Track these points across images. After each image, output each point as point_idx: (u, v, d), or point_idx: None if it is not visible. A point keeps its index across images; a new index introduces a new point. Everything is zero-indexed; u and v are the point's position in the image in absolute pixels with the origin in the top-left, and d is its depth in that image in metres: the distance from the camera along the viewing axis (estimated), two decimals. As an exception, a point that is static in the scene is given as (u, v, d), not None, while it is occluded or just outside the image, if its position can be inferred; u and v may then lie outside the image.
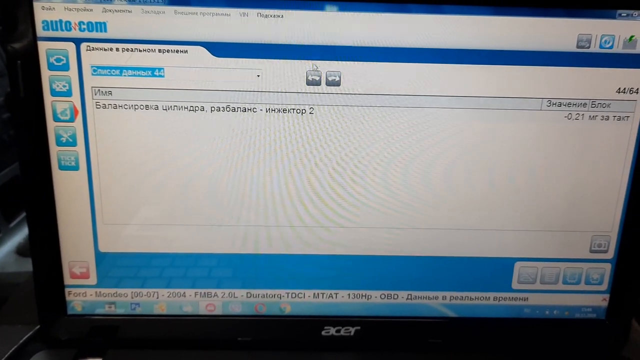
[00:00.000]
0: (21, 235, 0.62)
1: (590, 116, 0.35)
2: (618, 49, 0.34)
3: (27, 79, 0.33)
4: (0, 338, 0.38)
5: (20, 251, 0.59)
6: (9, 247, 0.60)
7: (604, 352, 0.39)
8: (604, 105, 0.34)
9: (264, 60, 0.33)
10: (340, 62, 0.33)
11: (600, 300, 0.38)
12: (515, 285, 0.38)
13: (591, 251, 0.37)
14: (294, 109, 0.34)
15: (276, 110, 0.34)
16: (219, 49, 0.33)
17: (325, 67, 0.33)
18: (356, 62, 0.33)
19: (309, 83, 0.34)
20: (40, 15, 0.32)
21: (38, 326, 0.38)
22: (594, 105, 0.34)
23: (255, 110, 0.34)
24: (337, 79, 0.34)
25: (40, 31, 0.32)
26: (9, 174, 0.64)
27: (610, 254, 0.37)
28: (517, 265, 0.37)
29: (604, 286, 0.38)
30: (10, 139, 0.64)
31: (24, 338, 0.38)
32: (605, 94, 0.34)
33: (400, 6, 0.32)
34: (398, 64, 0.33)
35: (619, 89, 0.34)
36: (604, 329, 0.39)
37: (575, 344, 0.39)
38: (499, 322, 0.38)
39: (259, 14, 0.32)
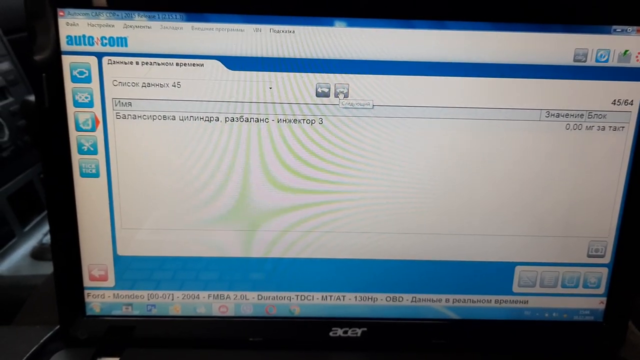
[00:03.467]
0: (36, 239, 0.63)
1: (587, 126, 0.36)
2: (613, 62, 0.35)
3: (51, 91, 0.34)
4: (21, 338, 0.40)
5: (35, 255, 0.61)
6: (24, 250, 0.61)
7: (602, 353, 0.40)
8: (600, 116, 0.36)
9: (276, 73, 0.35)
10: (348, 75, 0.35)
11: (598, 303, 0.40)
12: (515, 288, 0.39)
13: (589, 256, 0.39)
14: (304, 119, 0.36)
15: (287, 121, 0.35)
16: (234, 63, 0.34)
17: (334, 79, 0.35)
18: (363, 75, 0.35)
19: (319, 95, 0.35)
20: (65, 30, 0.34)
21: (57, 326, 0.40)
22: (590, 116, 0.36)
23: (267, 120, 0.35)
24: (346, 91, 0.35)
25: (64, 45, 0.34)
26: (23, 179, 0.66)
27: (607, 259, 0.39)
28: (518, 269, 0.39)
29: (601, 290, 0.40)
30: (26, 145, 0.66)
31: (45, 338, 0.39)
32: (601, 106, 0.36)
33: (405, 22, 0.34)
34: (403, 77, 0.35)
35: (615, 100, 0.36)
36: (601, 331, 0.40)
37: (574, 345, 0.40)
38: (500, 324, 0.40)
39: (272, 30, 0.34)
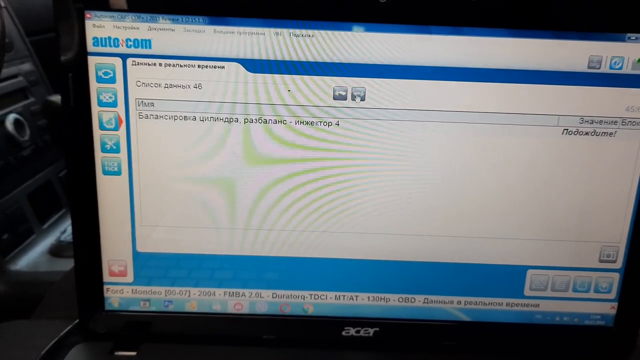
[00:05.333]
0: (54, 236, 0.65)
1: (600, 132, 0.37)
2: (627, 69, 0.36)
3: (77, 90, 0.35)
4: (41, 331, 0.41)
5: (53, 252, 0.62)
6: (42, 247, 0.63)
7: (612, 358, 0.41)
8: (614, 123, 0.36)
9: (295, 76, 0.36)
10: (365, 78, 0.36)
11: (609, 308, 0.40)
12: (527, 292, 0.40)
13: (600, 261, 0.39)
14: (321, 122, 0.36)
15: (305, 123, 0.36)
16: (254, 66, 0.35)
17: (351, 83, 0.36)
18: (380, 79, 0.36)
19: (336, 98, 0.36)
20: (91, 32, 0.35)
21: (77, 320, 0.41)
22: (604, 122, 0.36)
23: (285, 122, 0.36)
24: (362, 94, 0.36)
25: (90, 47, 0.35)
26: (43, 177, 0.67)
27: (618, 264, 0.39)
28: (529, 272, 0.39)
29: (613, 295, 0.40)
30: (45, 144, 0.68)
31: (64, 331, 0.40)
32: (614, 112, 0.36)
33: (421, 28, 0.35)
34: (418, 81, 0.36)
35: (628, 107, 0.36)
36: (612, 336, 0.40)
37: (585, 350, 0.41)
38: (511, 327, 0.40)
39: (291, 34, 0.35)
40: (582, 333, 0.40)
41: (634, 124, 0.36)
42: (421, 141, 0.37)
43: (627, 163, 0.37)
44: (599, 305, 0.40)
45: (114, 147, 0.37)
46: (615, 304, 0.40)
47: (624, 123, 0.36)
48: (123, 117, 0.36)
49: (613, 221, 0.38)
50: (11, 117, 0.62)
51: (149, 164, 0.37)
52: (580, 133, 0.37)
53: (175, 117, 0.36)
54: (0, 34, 0.44)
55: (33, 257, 0.61)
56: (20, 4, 0.76)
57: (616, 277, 0.39)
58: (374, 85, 0.36)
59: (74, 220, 0.38)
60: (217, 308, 0.40)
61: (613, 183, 0.37)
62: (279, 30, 0.35)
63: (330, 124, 0.36)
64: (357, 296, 0.40)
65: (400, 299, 0.40)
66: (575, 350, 0.41)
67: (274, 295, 0.40)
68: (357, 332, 0.40)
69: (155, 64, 0.35)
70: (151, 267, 0.39)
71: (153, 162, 0.37)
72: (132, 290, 0.39)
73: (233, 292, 0.40)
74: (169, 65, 0.35)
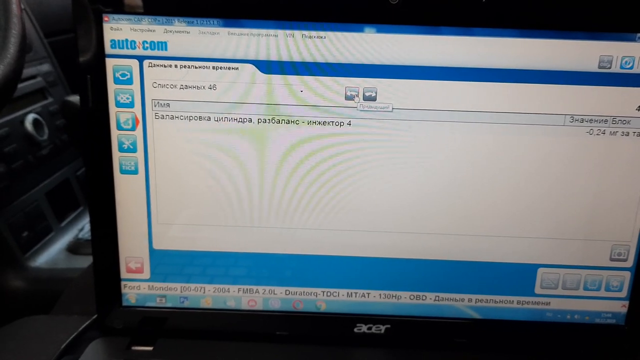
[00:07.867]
0: (72, 234, 0.66)
1: (611, 132, 0.37)
2: (638, 69, 0.36)
3: (95, 92, 0.36)
4: (60, 326, 0.42)
5: (71, 249, 0.63)
6: (60, 245, 0.64)
7: (623, 356, 0.41)
8: (625, 122, 0.37)
9: (307, 77, 0.36)
10: (376, 79, 0.36)
11: (620, 307, 0.40)
12: (538, 290, 0.40)
13: (611, 259, 0.39)
14: (333, 122, 0.37)
15: (317, 123, 0.37)
16: (267, 67, 0.36)
17: (363, 83, 0.36)
18: (391, 79, 0.36)
19: (347, 98, 0.37)
20: (109, 35, 0.36)
21: (95, 316, 0.42)
22: (614, 122, 0.37)
23: (298, 122, 0.37)
24: (373, 94, 0.36)
25: (108, 49, 0.36)
26: (61, 176, 0.69)
27: (629, 263, 0.39)
28: (540, 271, 0.40)
29: (624, 293, 0.40)
30: (63, 144, 0.69)
31: (83, 326, 0.41)
32: (625, 111, 0.36)
33: (432, 28, 0.35)
34: (429, 82, 0.36)
35: (639, 106, 0.36)
36: (623, 334, 0.40)
37: (595, 347, 0.41)
38: (522, 325, 0.41)
39: (303, 35, 0.35)
40: (592, 331, 0.41)
41: (644, 123, 0.37)
42: (432, 141, 0.37)
43: (638, 162, 0.37)
44: (610, 304, 0.40)
45: (131, 147, 0.37)
46: (627, 303, 0.40)
47: (635, 122, 0.37)
48: (140, 118, 0.37)
49: (624, 220, 0.38)
50: (30, 117, 0.63)
51: (165, 163, 0.38)
52: (591, 132, 0.37)
53: (190, 118, 0.37)
54: (22, 36, 0.45)
55: (52, 254, 0.62)
56: (38, 6, 0.77)
57: (627, 275, 0.40)
58: (386, 86, 0.36)
59: (92, 218, 0.39)
60: (231, 304, 0.41)
61: (624, 182, 0.38)
62: (291, 31, 0.35)
63: (342, 124, 0.37)
64: (368, 293, 0.40)
65: (412, 297, 0.40)
66: (586, 348, 0.41)
67: (287, 292, 0.40)
68: (369, 329, 0.41)
69: (171, 66, 0.36)
70: (167, 264, 0.40)
71: (169, 161, 0.38)
72: (149, 286, 0.40)
73: (247, 289, 0.40)
74: (184, 66, 0.36)
